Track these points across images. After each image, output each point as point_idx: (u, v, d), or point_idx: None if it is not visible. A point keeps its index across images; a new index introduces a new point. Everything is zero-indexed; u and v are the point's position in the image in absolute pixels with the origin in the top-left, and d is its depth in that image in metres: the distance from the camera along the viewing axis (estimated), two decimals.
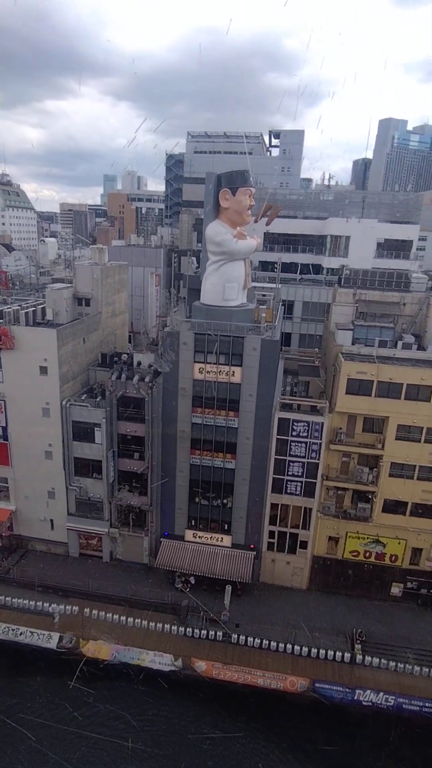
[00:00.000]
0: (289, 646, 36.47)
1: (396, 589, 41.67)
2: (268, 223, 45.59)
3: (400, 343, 40.96)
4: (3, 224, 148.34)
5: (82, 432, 41.68)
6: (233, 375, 38.28)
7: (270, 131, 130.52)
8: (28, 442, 42.74)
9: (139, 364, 42.12)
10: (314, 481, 39.97)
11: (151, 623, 37.97)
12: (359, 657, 36.05)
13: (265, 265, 63.49)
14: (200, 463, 40.93)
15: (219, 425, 39.67)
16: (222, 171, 39.36)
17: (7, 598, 39.68)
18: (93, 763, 31.41)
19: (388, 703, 34.04)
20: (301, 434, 39.00)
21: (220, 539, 42.16)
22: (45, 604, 39.07)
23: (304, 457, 39.47)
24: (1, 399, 42.01)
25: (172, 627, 37.77)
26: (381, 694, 34.07)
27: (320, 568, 42.26)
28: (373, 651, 36.70)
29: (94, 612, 38.69)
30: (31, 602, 39.27)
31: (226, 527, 42.07)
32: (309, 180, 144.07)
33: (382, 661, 35.82)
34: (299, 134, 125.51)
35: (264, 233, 59.69)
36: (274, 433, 39.20)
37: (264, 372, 37.96)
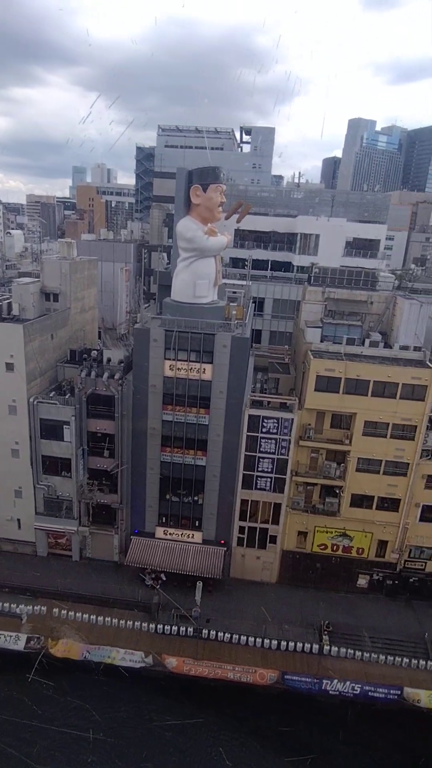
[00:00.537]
0: (258, 639, 36.99)
1: (362, 581, 42.78)
2: (238, 221, 45.78)
3: (367, 341, 41.89)
4: None
5: (51, 430, 40.99)
6: (204, 372, 38.34)
7: (241, 127, 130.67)
8: None
9: (108, 360, 41.67)
10: (284, 476, 40.53)
11: (121, 621, 37.84)
12: (327, 648, 36.90)
13: (236, 262, 63.69)
14: (171, 460, 40.90)
15: (190, 422, 39.70)
16: (193, 166, 39.25)
17: None
18: (54, 757, 31.27)
19: (354, 692, 35.01)
20: (270, 431, 39.45)
21: (190, 536, 42.29)
22: (12, 605, 38.37)
23: (273, 453, 39.95)
24: None
25: (143, 624, 37.74)
26: (347, 683, 35.00)
27: (289, 562, 42.97)
28: (341, 641, 37.62)
29: (64, 612, 38.24)
30: None
31: (196, 524, 42.22)
32: (280, 177, 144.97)
33: (349, 651, 36.78)
34: (270, 131, 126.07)
35: (235, 230, 59.84)
36: (245, 429, 39.52)
37: (234, 369, 38.17)
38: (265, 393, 44.02)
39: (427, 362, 39.40)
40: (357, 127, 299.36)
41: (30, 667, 34.74)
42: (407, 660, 36.48)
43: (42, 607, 38.30)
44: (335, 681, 35.07)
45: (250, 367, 44.62)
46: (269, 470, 40.52)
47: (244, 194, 70.06)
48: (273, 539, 42.43)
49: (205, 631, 37.19)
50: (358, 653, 36.71)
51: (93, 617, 38.03)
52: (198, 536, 42.25)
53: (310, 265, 52.60)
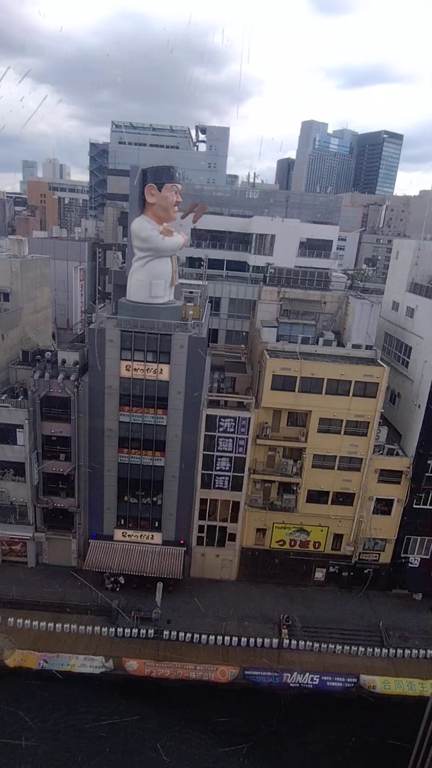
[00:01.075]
0: (219, 637, 37.26)
1: (319, 574, 43.89)
2: (194, 221, 45.85)
3: (321, 340, 42.91)
4: None
5: (3, 433, 39.66)
6: (161, 372, 38.17)
7: (196, 126, 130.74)
8: None
9: (63, 362, 40.74)
10: (242, 475, 40.97)
11: (80, 627, 37.16)
12: (286, 641, 37.63)
13: (192, 261, 63.67)
14: (129, 462, 40.48)
15: (147, 423, 39.43)
16: (148, 164, 38.91)
17: None
18: None
19: (314, 682, 35.90)
20: (228, 430, 39.76)
21: (150, 537, 42.05)
22: None
23: (231, 452, 40.31)
24: None
25: (103, 629, 37.23)
26: (306, 674, 35.85)
27: (248, 559, 43.50)
28: (299, 635, 38.47)
29: (20, 621, 37.17)
30: None
31: (156, 524, 42.01)
32: (235, 177, 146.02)
33: (308, 643, 37.65)
34: (225, 131, 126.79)
35: (191, 229, 59.84)
36: (202, 429, 39.66)
37: (192, 369, 38.20)
38: (223, 392, 44.32)
39: (378, 360, 40.84)
40: (310, 130, 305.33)
41: None
42: (363, 649, 37.76)
43: None
44: (295, 673, 35.84)
45: (207, 367, 44.76)
46: (227, 469, 40.84)
47: (199, 194, 70.23)
48: (232, 537, 42.82)
49: (165, 632, 37.11)
50: (316, 645, 37.65)
51: (51, 624, 37.16)
52: (157, 537, 42.05)
53: (266, 265, 53.31)
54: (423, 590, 43.85)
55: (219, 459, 40.57)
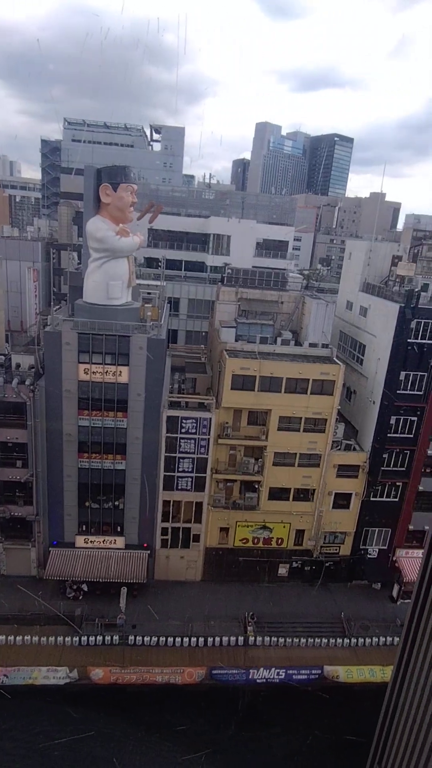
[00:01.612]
0: (186, 639, 37.20)
1: (283, 570, 44.58)
2: (151, 221, 45.52)
3: (279, 340, 43.58)
4: None
5: None
6: (120, 375, 37.70)
7: (151, 126, 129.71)
8: None
9: (18, 366, 39.51)
10: (204, 475, 41.06)
11: (42, 638, 36.20)
12: (252, 638, 38.01)
13: (150, 262, 63.20)
14: (89, 466, 39.76)
15: (107, 426, 38.86)
16: (102, 162, 38.39)
17: None
18: None
19: (280, 677, 36.47)
20: (189, 431, 39.75)
21: (113, 541, 41.46)
22: None
23: (193, 452, 40.32)
24: None
25: (66, 638, 36.40)
26: (273, 669, 36.36)
27: (213, 558, 43.65)
28: (265, 631, 38.96)
29: None
30: None
31: (118, 529, 41.48)
32: (191, 177, 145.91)
33: (273, 639, 38.18)
34: (180, 131, 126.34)
35: (148, 229, 59.41)
36: (163, 431, 39.47)
37: (151, 371, 37.93)
38: (183, 393, 44.24)
39: (334, 358, 41.90)
40: (264, 131, 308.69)
41: None
42: (326, 640, 38.66)
43: None
44: (261, 669, 36.28)
45: (167, 368, 44.61)
46: (190, 470, 40.84)
47: (155, 194, 69.76)
48: (196, 538, 42.85)
49: (131, 638, 36.71)
50: (281, 640, 38.23)
51: (11, 638, 36.01)
52: (120, 541, 41.52)
53: (223, 265, 53.62)
54: (381, 580, 45.35)
55: (181, 460, 40.49)
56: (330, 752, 34.01)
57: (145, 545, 41.81)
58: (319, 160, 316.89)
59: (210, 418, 39.75)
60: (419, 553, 44.14)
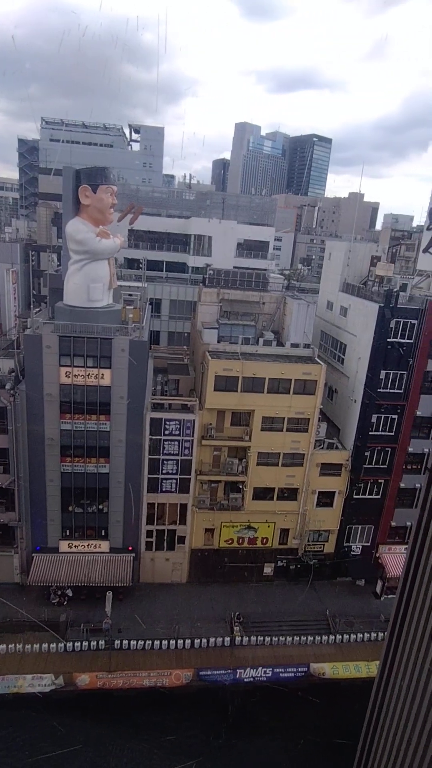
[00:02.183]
0: (172, 641, 37.12)
1: (268, 569, 44.82)
2: (131, 223, 45.31)
3: (261, 340, 43.82)
4: None
5: None
6: (102, 378, 37.44)
7: (130, 125, 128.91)
8: None
9: None
10: (188, 477, 41.04)
11: (27, 645, 35.72)
12: (238, 638, 38.13)
13: (131, 263, 62.89)
14: (72, 470, 39.39)
15: (90, 430, 38.54)
16: (81, 162, 38.12)
17: None
18: None
19: (267, 675, 36.63)
20: (173, 432, 39.69)
21: (97, 546, 41.14)
22: None
23: (177, 454, 40.26)
24: None
25: (51, 645, 35.97)
26: (259, 668, 36.51)
27: (198, 560, 43.66)
28: (251, 630, 39.11)
29: None
30: None
31: (102, 533, 41.18)
32: (171, 177, 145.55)
33: (259, 638, 38.34)
34: (159, 131, 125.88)
35: (129, 230, 59.08)
36: (147, 433, 39.33)
37: (134, 373, 37.76)
38: (166, 395, 44.12)
39: (316, 358, 42.28)
40: (243, 131, 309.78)
41: None
42: (312, 638, 38.98)
43: None
44: (248, 669, 36.40)
45: (150, 370, 44.42)
46: (174, 472, 40.77)
47: (135, 194, 69.38)
48: (181, 539, 42.80)
49: (117, 642, 36.47)
50: (268, 639, 38.42)
51: None
52: (105, 545, 41.23)
53: (205, 266, 53.62)
54: (365, 576, 45.92)
55: (165, 462, 40.40)
56: (319, 756, 34.19)
57: (130, 548, 41.59)
58: (298, 161, 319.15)
59: (193, 420, 39.75)
60: (402, 549, 44.90)
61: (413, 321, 40.00)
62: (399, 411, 41.99)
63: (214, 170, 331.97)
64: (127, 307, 41.49)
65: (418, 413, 41.97)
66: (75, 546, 40.88)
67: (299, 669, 37.05)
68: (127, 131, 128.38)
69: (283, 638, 38.64)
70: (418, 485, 42.75)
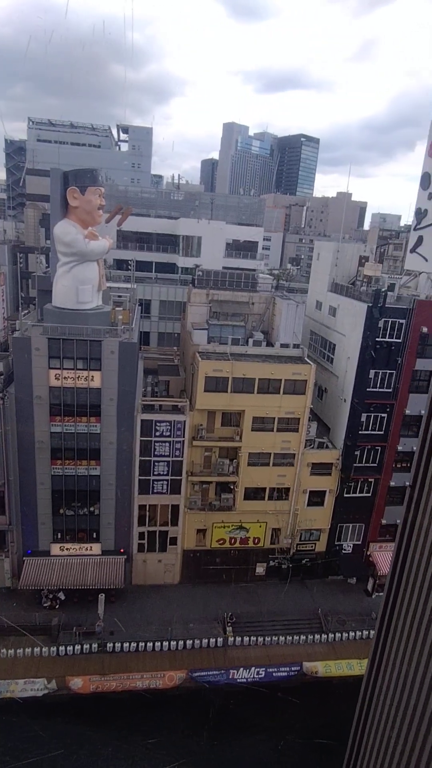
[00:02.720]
0: (165, 643, 37.12)
1: (260, 569, 44.95)
2: (119, 224, 45.09)
3: (251, 341, 43.93)
4: None
5: None
6: (92, 380, 37.30)
7: (118, 125, 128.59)
8: None
9: None
10: (179, 478, 41.04)
11: (19, 650, 35.52)
12: (231, 639, 38.22)
13: (120, 264, 62.68)
14: (63, 473, 39.19)
15: (80, 432, 38.37)
16: (69, 163, 38.01)
17: None
18: None
19: (260, 675, 36.76)
20: (164, 434, 39.67)
21: (89, 548, 40.98)
22: None
23: (168, 455, 40.24)
24: None
25: (43, 649, 35.81)
26: (252, 668, 36.64)
27: (190, 561, 43.67)
28: (244, 630, 39.21)
29: None
30: None
31: (94, 535, 41.01)
32: (160, 177, 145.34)
33: (252, 638, 38.47)
34: (148, 131, 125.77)
35: (117, 231, 58.84)
36: (138, 435, 39.26)
37: (124, 375, 37.67)
38: (157, 396, 44.09)
39: (305, 358, 42.49)
40: (231, 131, 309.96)
41: None
42: (304, 637, 39.19)
43: None
44: (241, 669, 36.51)
45: (140, 371, 44.43)
46: (165, 473, 40.74)
47: (124, 195, 69.22)
48: (173, 541, 42.78)
49: (110, 645, 36.40)
50: (260, 639, 38.56)
51: None
52: (96, 548, 41.08)
53: (194, 266, 53.63)
54: (356, 574, 46.23)
55: (156, 464, 40.36)
56: (298, 757, 34.36)
57: (122, 550, 41.49)
58: (286, 161, 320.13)
59: (184, 421, 39.76)
60: (393, 547, 45.20)
61: (401, 320, 40.36)
62: (388, 410, 42.34)
63: (203, 170, 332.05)
64: (117, 308, 41.32)
65: (407, 412, 42.36)
66: (66, 549, 40.68)
67: (292, 668, 37.22)
68: (115, 131, 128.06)
69: (276, 638, 38.81)
70: (407, 483, 43.01)
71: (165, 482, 40.94)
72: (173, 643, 37.23)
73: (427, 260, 39.06)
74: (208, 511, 42.44)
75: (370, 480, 44.27)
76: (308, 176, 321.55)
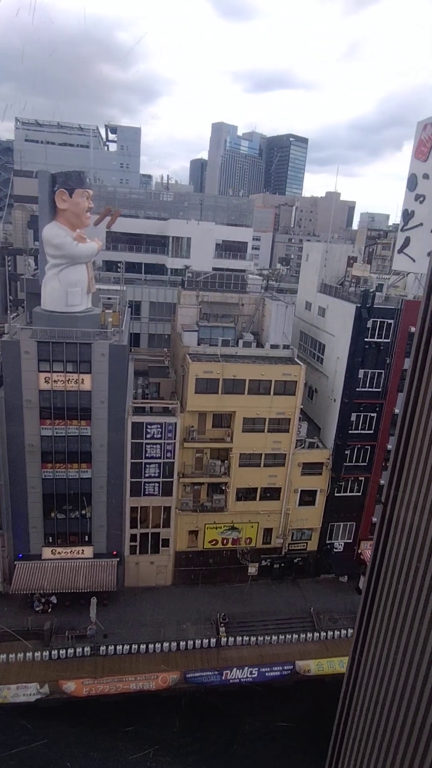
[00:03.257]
0: (158, 645, 37.15)
1: (252, 569, 45.06)
2: (108, 226, 45.05)
3: (241, 342, 44.08)
4: None
5: None
6: (82, 383, 37.21)
7: (106, 125, 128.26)
8: None
9: None
10: (171, 479, 41.08)
11: (10, 655, 35.35)
12: (224, 639, 38.35)
13: (109, 265, 62.51)
14: (54, 477, 39.06)
15: (71, 435, 38.27)
16: (57, 163, 37.96)
17: None
18: None
19: (253, 675, 36.93)
20: (155, 436, 39.68)
21: (80, 551, 40.88)
22: None
23: (159, 457, 40.27)
24: None
25: (36, 653, 35.69)
26: (245, 668, 36.80)
27: (183, 562, 43.73)
28: (237, 631, 39.36)
29: None
30: None
31: (86, 538, 40.93)
32: (149, 177, 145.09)
33: (245, 638, 38.63)
34: (136, 131, 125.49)
35: (106, 232, 58.69)
36: (129, 437, 39.23)
37: (114, 377, 37.63)
38: (147, 398, 44.07)
39: (296, 359, 42.73)
40: (220, 131, 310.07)
41: None
42: (297, 636, 39.43)
43: None
44: (234, 669, 36.66)
45: (130, 373, 44.37)
46: (156, 475, 40.76)
47: (113, 196, 68.98)
48: (165, 542, 42.81)
49: (102, 648, 36.35)
50: (253, 638, 38.73)
51: None
52: (89, 551, 41.00)
53: (184, 267, 53.66)
54: (348, 573, 46.59)
55: (147, 466, 40.37)
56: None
57: (114, 553, 41.46)
58: (275, 160, 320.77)
59: (175, 423, 39.80)
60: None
61: (390, 321, 40.73)
62: (377, 409, 42.72)
63: (192, 170, 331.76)
64: (107, 310, 41.29)
65: (396, 411, 42.77)
66: (58, 552, 40.56)
67: (285, 667, 37.44)
68: (103, 131, 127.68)
69: (269, 637, 39.01)
70: (382, 482, 43.50)
71: (156, 484, 40.97)
72: (166, 644, 37.27)
73: (414, 261, 39.41)
74: (200, 512, 42.53)
75: (360, 479, 44.65)
76: (297, 176, 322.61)
